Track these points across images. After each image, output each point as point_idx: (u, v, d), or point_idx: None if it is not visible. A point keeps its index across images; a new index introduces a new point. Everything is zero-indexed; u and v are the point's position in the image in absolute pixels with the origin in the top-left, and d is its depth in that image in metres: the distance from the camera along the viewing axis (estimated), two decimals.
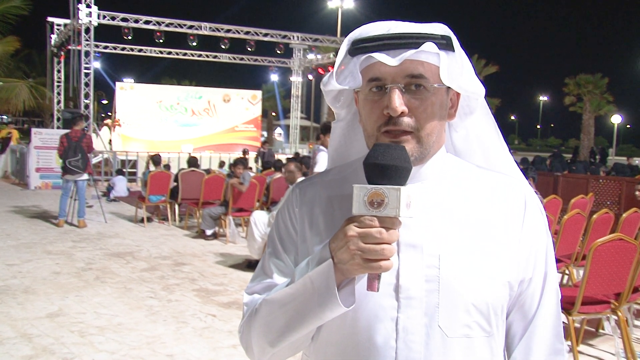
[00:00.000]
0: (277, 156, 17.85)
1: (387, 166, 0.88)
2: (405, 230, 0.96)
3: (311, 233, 1.09)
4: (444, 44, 0.98)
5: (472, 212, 1.04)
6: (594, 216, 5.45)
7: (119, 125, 20.03)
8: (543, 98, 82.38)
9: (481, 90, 1.04)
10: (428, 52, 0.96)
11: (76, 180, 8.89)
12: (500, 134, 1.15)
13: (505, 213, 1.04)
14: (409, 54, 0.95)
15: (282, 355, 1.08)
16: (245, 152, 17.13)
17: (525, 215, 1.05)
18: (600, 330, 4.70)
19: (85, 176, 8.92)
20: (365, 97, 1.02)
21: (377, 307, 0.98)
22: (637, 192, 6.68)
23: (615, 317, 4.03)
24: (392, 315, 0.98)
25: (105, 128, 19.89)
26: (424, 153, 1.01)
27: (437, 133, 1.02)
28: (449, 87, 1.01)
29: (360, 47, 1.00)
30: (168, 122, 21.36)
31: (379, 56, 0.96)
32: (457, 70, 0.99)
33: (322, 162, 5.99)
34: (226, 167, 14.14)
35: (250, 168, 12.57)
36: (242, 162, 8.92)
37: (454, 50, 1.00)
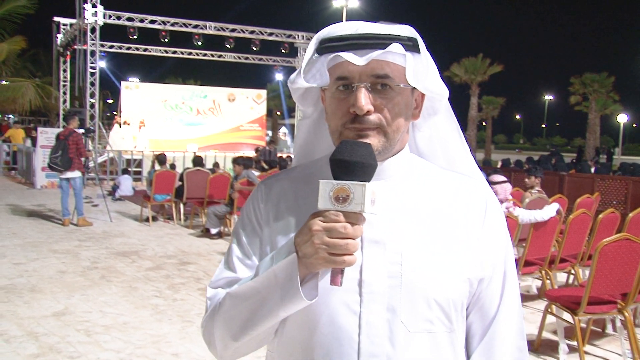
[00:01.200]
0: (280, 155, 17.83)
1: (352, 162, 0.89)
2: (369, 226, 0.97)
3: (276, 229, 1.10)
4: (410, 45, 1.00)
5: (435, 210, 1.06)
6: (600, 216, 5.43)
7: (144, 125, 20.11)
8: (548, 97, 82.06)
9: (445, 91, 1.06)
10: (394, 52, 0.98)
11: (69, 179, 8.85)
12: (462, 135, 1.18)
13: (466, 213, 1.07)
14: (376, 54, 0.97)
15: (245, 349, 1.09)
16: (257, 150, 17.07)
17: (485, 216, 1.08)
18: (607, 331, 4.68)
19: (70, 174, 8.77)
20: (332, 95, 1.03)
21: (340, 301, 1.00)
22: None
23: (622, 318, 4.02)
24: (355, 309, 1.00)
25: (116, 125, 19.91)
26: (388, 148, 1.03)
27: (402, 132, 1.05)
28: (414, 88, 1.04)
29: (328, 46, 1.01)
30: (173, 121, 21.40)
31: (347, 55, 0.97)
32: (422, 71, 1.01)
33: None
34: (227, 168, 14.13)
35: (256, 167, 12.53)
36: (237, 161, 8.87)
37: (419, 52, 1.02)
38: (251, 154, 16.06)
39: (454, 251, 1.04)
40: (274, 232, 1.10)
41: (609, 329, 4.69)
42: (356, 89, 0.99)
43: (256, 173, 9.51)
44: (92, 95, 16.91)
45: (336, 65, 1.02)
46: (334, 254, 0.89)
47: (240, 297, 1.03)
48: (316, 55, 1.04)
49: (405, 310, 1.00)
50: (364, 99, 0.98)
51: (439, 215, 1.06)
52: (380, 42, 0.98)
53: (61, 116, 18.95)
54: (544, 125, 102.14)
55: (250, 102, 22.87)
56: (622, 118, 43.30)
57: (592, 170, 15.40)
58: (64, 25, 19.55)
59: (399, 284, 1.00)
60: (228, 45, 19.92)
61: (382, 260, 1.01)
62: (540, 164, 14.90)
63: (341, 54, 0.98)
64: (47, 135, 14.28)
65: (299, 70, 1.06)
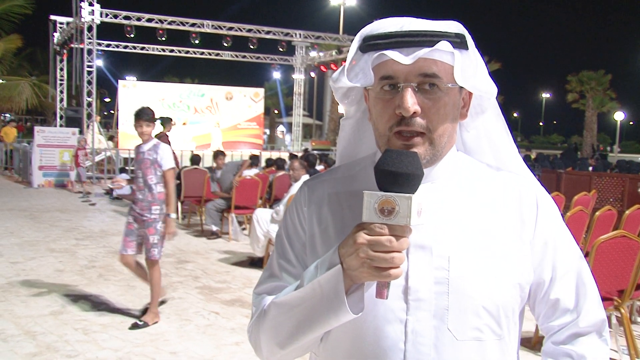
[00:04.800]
0: (279, 154, 17.81)
1: (398, 173, 0.86)
2: (414, 231, 0.95)
3: (320, 232, 1.08)
4: (458, 42, 0.96)
5: (483, 212, 1.02)
6: (597, 213, 5.45)
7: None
8: (546, 95, 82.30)
9: (494, 89, 1.02)
10: (442, 51, 0.94)
11: None
12: (509, 133, 1.14)
13: (516, 213, 1.03)
14: (423, 52, 0.93)
15: (291, 356, 1.07)
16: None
17: (538, 216, 1.04)
18: None
19: None
20: (377, 95, 0.99)
21: (386, 309, 0.98)
22: (639, 189, 6.66)
23: (618, 314, 4.03)
24: (401, 317, 0.97)
25: (95, 124, 19.81)
26: (436, 155, 1.00)
27: (449, 134, 1.01)
28: (462, 87, 1.00)
29: (372, 44, 0.97)
30: (174, 120, 21.40)
31: (392, 54, 0.93)
32: (471, 69, 0.97)
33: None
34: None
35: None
36: (221, 153, 8.81)
37: (467, 49, 0.98)
38: (250, 152, 15.98)
39: (503, 255, 1.00)
40: (317, 235, 1.08)
41: None
42: (402, 89, 0.95)
43: (255, 171, 9.52)
44: (89, 94, 16.89)
45: (381, 64, 0.97)
46: (379, 268, 0.86)
47: (286, 306, 1.01)
48: (359, 53, 1.00)
49: (453, 318, 0.97)
50: (411, 100, 0.94)
51: (487, 217, 1.02)
52: (428, 39, 0.93)
53: (58, 115, 18.92)
54: (541, 123, 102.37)
55: (248, 101, 22.85)
56: (619, 116, 43.43)
57: (590, 168, 15.44)
58: (61, 23, 19.50)
59: (446, 290, 0.97)
60: (225, 44, 19.92)
61: (428, 266, 0.98)
62: (538, 162, 14.93)
63: (386, 52, 0.94)
64: (44, 134, 14.25)
65: (341, 68, 1.02)
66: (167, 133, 9.33)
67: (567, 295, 1.06)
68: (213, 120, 21.64)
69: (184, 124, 20.54)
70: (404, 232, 0.86)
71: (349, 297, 0.92)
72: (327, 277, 0.93)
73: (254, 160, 10.12)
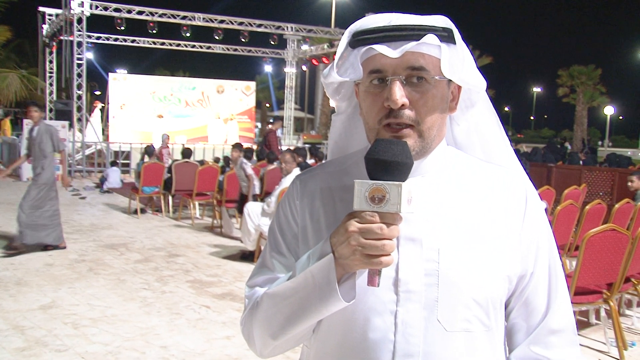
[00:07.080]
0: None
1: (388, 162, 0.87)
2: (405, 224, 0.96)
3: (312, 225, 1.09)
4: (445, 36, 0.97)
5: (472, 205, 1.04)
6: (587, 207, 5.49)
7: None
8: (536, 89, 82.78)
9: (482, 83, 1.04)
10: (429, 44, 0.95)
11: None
12: (501, 127, 1.15)
13: (505, 207, 1.05)
14: (410, 45, 0.94)
15: (284, 347, 1.08)
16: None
17: (526, 209, 1.06)
18: (594, 320, 4.73)
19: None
20: (366, 89, 1.01)
21: (377, 300, 0.99)
22: (629, 183, 6.72)
23: (607, 307, 4.07)
24: (392, 308, 0.98)
25: (97, 112, 19.63)
26: (425, 147, 1.01)
27: (437, 126, 1.02)
28: (450, 80, 1.01)
29: (361, 39, 0.99)
30: (162, 113, 21.26)
31: (380, 48, 0.95)
32: (458, 62, 0.99)
33: None
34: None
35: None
36: (237, 147, 8.65)
37: (455, 43, 0.99)
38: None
39: (492, 247, 1.02)
40: (310, 228, 1.09)
41: (592, 319, 4.74)
42: (390, 82, 0.96)
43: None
44: (79, 87, 16.72)
45: (369, 59, 0.99)
46: (371, 255, 0.87)
47: (278, 297, 1.02)
48: (349, 48, 1.02)
49: (443, 309, 0.98)
50: (399, 92, 0.95)
51: (477, 210, 1.03)
52: (415, 33, 0.95)
53: (48, 108, 18.74)
54: (532, 117, 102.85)
55: (239, 94, 22.74)
56: (609, 110, 43.75)
57: (581, 162, 15.53)
58: (50, 15, 19.26)
59: (436, 282, 0.98)
60: (217, 37, 19.75)
61: (418, 258, 0.99)
62: (529, 158, 14.97)
63: (374, 46, 0.96)
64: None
65: (332, 64, 1.04)
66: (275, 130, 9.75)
67: (542, 293, 1.07)
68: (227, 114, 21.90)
69: (159, 116, 20.52)
70: (395, 219, 0.87)
71: (341, 286, 0.93)
72: (318, 266, 0.94)
73: (248, 153, 10.06)
